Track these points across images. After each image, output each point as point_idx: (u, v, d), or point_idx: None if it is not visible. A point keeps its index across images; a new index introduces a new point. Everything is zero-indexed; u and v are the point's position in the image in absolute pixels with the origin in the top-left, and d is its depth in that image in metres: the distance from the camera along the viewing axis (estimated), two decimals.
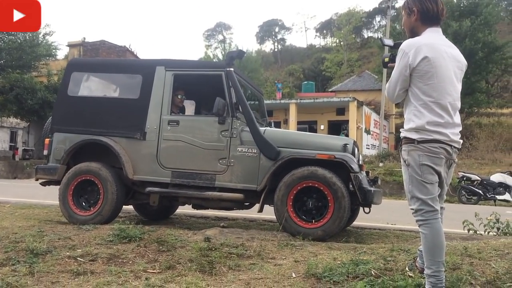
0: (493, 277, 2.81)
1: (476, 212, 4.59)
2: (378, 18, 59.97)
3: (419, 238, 4.89)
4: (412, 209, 2.53)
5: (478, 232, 4.66)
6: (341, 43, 52.92)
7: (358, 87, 26.90)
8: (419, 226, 2.53)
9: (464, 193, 12.66)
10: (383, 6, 47.84)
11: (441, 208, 2.63)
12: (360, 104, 22.04)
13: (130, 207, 6.29)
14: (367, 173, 5.46)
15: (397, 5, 26.40)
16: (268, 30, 76.42)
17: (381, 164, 16.67)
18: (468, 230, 4.62)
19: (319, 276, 3.04)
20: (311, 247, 4.01)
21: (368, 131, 23.50)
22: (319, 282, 2.98)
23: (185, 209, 6.71)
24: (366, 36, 60.85)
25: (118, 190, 5.03)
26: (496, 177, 12.63)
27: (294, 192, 4.59)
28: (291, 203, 4.59)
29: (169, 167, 5.00)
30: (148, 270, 3.32)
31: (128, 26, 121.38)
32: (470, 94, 23.98)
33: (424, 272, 2.53)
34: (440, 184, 2.55)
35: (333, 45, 57.51)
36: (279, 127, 18.63)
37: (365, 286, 2.73)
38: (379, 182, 5.20)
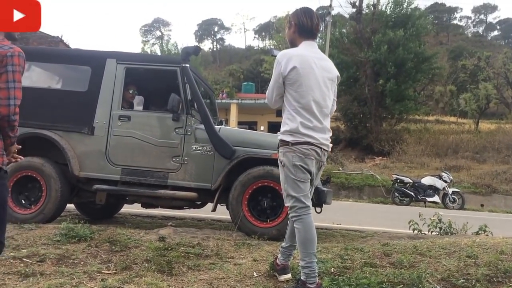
0: (446, 274, 2.97)
1: (420, 213, 4.84)
2: None
3: (368, 237, 5.11)
4: (287, 206, 2.72)
5: (422, 231, 4.91)
6: (280, 46, 53.78)
7: None
8: (293, 222, 2.70)
9: (397, 194, 13.31)
10: (320, 12, 49.25)
11: None
12: None
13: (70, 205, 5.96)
14: None
15: (333, 12, 27.22)
16: (207, 29, 76.18)
17: None
18: (413, 229, 4.85)
19: None
20: (268, 246, 4.03)
21: None
22: (281, 281, 2.99)
23: (129, 208, 6.49)
24: None
25: (63, 187, 4.76)
26: (426, 180, 13.38)
27: (249, 191, 4.58)
28: (246, 203, 4.58)
29: (119, 164, 4.80)
30: (102, 271, 3.16)
31: (60, 15, 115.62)
32: (400, 101, 25.25)
33: (299, 264, 2.70)
34: (310, 183, 2.75)
35: (272, 47, 58.32)
36: None
37: (330, 284, 2.77)
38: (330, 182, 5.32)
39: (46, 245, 3.63)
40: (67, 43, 30.13)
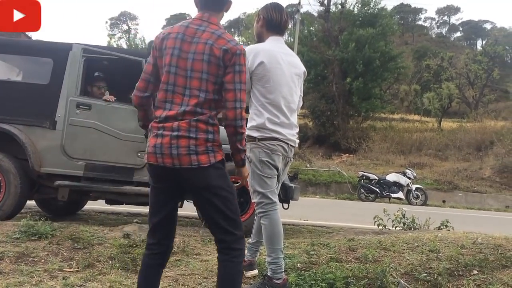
0: (410, 268, 3.04)
1: (384, 209, 4.92)
2: None
3: (334, 233, 5.16)
4: (254, 202, 2.72)
5: (386, 227, 5.00)
6: (249, 42, 53.78)
7: None
8: (260, 218, 2.70)
9: (363, 191, 13.57)
10: (289, 10, 49.50)
11: None
12: None
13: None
14: None
15: (302, 10, 27.41)
16: (176, 23, 75.27)
17: None
18: (378, 225, 4.93)
19: None
20: None
21: None
22: (248, 277, 2.98)
23: (93, 205, 6.32)
24: None
25: (23, 183, 4.57)
26: (391, 177, 13.69)
27: None
28: None
29: (82, 159, 4.66)
30: (64, 269, 3.08)
31: None
32: (367, 99, 25.73)
33: (266, 260, 2.71)
34: (276, 179, 2.76)
35: (240, 43, 58.13)
36: None
37: (296, 279, 2.78)
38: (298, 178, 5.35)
39: (4, 243, 3.49)
40: (28, 34, 29.24)
